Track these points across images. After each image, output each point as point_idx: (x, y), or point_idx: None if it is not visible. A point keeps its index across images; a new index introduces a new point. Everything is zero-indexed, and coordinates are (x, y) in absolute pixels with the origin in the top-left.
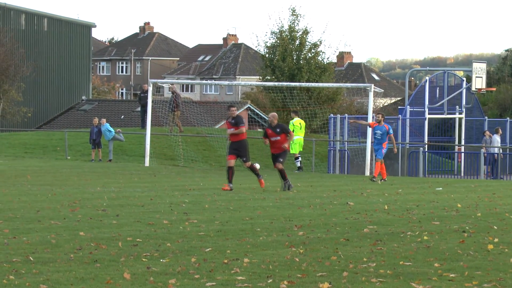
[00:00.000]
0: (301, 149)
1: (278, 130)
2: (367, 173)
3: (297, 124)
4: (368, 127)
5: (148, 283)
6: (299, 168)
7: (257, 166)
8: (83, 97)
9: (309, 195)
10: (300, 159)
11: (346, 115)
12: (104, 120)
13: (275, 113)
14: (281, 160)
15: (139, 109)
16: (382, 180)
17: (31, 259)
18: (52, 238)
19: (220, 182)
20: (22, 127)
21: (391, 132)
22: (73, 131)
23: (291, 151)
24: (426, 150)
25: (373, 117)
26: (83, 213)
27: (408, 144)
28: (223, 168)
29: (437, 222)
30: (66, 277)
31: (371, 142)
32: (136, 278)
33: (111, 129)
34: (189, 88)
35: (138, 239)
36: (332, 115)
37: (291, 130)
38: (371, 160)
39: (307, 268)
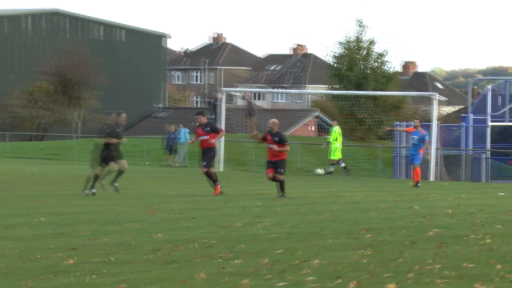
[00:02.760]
0: (340, 156)
1: (276, 138)
2: (431, 178)
3: (339, 131)
4: (405, 133)
5: (223, 283)
6: (331, 172)
7: (319, 171)
8: (155, 105)
9: (375, 199)
10: (342, 164)
11: (412, 122)
12: (181, 125)
13: (276, 120)
14: (282, 171)
15: (212, 116)
16: (415, 186)
17: (112, 259)
18: (130, 239)
19: (291, 187)
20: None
21: (428, 138)
22: (149, 137)
23: (332, 157)
24: (489, 156)
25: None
26: (160, 216)
27: (471, 151)
28: (293, 174)
29: (499, 225)
30: (145, 277)
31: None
32: (211, 278)
33: (188, 136)
34: (260, 97)
35: (213, 241)
36: (397, 122)
37: (336, 137)
38: (436, 166)
39: (374, 269)
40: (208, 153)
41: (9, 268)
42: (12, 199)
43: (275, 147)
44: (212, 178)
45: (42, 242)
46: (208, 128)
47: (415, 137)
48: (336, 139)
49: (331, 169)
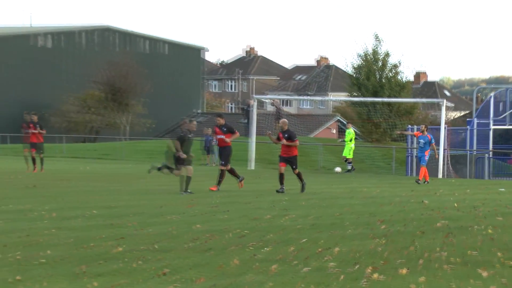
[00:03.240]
0: (352, 156)
1: (286, 135)
2: (440, 175)
3: (353, 133)
4: (413, 136)
5: (254, 268)
6: (349, 170)
7: (338, 170)
8: (194, 110)
9: (390, 194)
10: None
11: (422, 126)
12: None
13: (286, 120)
14: (295, 167)
15: (245, 120)
16: (426, 182)
17: (156, 247)
18: (173, 230)
19: (315, 184)
20: (146, 136)
21: (433, 141)
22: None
23: (348, 156)
24: (491, 156)
25: (418, 128)
26: (199, 209)
27: (475, 151)
28: (316, 172)
29: (500, 217)
30: (185, 263)
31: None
32: (243, 264)
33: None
34: (287, 103)
35: (245, 231)
36: (409, 126)
37: (350, 138)
38: (444, 164)
39: (388, 256)
40: (224, 151)
41: (65, 255)
42: (68, 194)
43: (285, 141)
44: (235, 174)
45: (94, 232)
46: (225, 129)
47: (421, 140)
48: (351, 140)
49: (349, 167)
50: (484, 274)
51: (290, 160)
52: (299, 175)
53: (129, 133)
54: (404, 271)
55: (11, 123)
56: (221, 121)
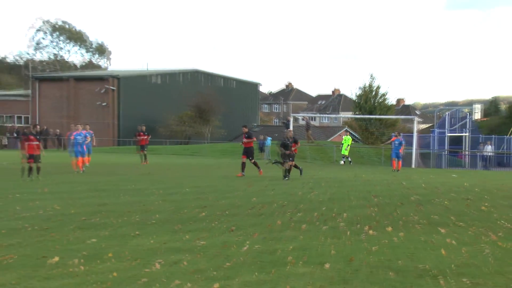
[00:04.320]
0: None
1: (291, 140)
2: (413, 166)
3: (350, 138)
4: (391, 140)
5: (290, 227)
6: (346, 162)
7: (342, 162)
8: (253, 124)
9: (380, 178)
10: (349, 159)
11: (396, 132)
12: (266, 136)
13: (291, 130)
14: (292, 159)
15: (284, 130)
16: (398, 171)
17: (226, 213)
18: (237, 201)
19: (330, 172)
20: (221, 140)
21: (404, 142)
22: None
23: (344, 152)
24: (447, 153)
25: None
26: (254, 188)
27: (436, 150)
28: (331, 164)
29: (453, 194)
30: (246, 223)
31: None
32: (283, 224)
33: (269, 142)
34: (313, 119)
35: (285, 202)
36: (393, 133)
37: (348, 144)
38: (416, 159)
39: (379, 219)
40: (249, 150)
41: (167, 218)
42: (170, 178)
43: (292, 144)
44: (257, 166)
45: (186, 203)
46: (247, 135)
47: (396, 142)
48: (348, 144)
49: (343, 160)
50: (443, 231)
51: (291, 156)
52: (295, 166)
53: (210, 138)
54: (390, 228)
55: (135, 132)
56: (245, 130)
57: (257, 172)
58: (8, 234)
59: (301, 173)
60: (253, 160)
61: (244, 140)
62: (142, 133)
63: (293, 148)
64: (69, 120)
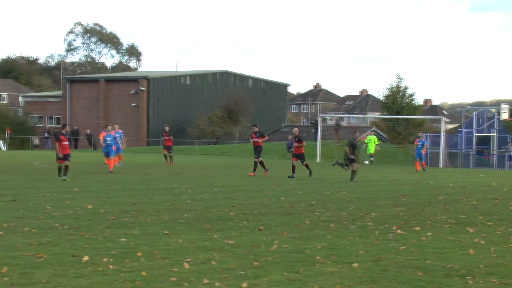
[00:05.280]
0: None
1: (296, 139)
2: (441, 166)
3: (375, 138)
4: (415, 143)
5: (319, 226)
6: (371, 161)
7: (366, 162)
8: (282, 124)
9: (407, 178)
10: (371, 158)
11: (428, 134)
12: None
13: (297, 129)
14: (303, 160)
15: (313, 131)
16: (424, 170)
17: (255, 212)
18: (266, 200)
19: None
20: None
21: (426, 142)
22: (277, 142)
23: (369, 152)
24: (474, 153)
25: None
26: (283, 188)
27: (464, 150)
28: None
29: (481, 193)
30: (274, 222)
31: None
32: (312, 224)
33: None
34: (341, 119)
35: (313, 202)
36: (420, 133)
37: (368, 143)
38: (443, 158)
39: (407, 219)
40: (257, 149)
41: (197, 217)
42: (199, 178)
43: (296, 144)
44: (263, 165)
45: (215, 202)
46: (258, 134)
47: (419, 143)
48: (374, 142)
49: (371, 159)
50: (471, 230)
51: (299, 156)
52: (307, 166)
53: (238, 138)
54: (418, 228)
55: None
56: (256, 129)
57: (263, 172)
58: (39, 233)
59: (310, 175)
60: (260, 159)
61: (255, 139)
62: (164, 133)
63: (295, 145)
64: (100, 121)
